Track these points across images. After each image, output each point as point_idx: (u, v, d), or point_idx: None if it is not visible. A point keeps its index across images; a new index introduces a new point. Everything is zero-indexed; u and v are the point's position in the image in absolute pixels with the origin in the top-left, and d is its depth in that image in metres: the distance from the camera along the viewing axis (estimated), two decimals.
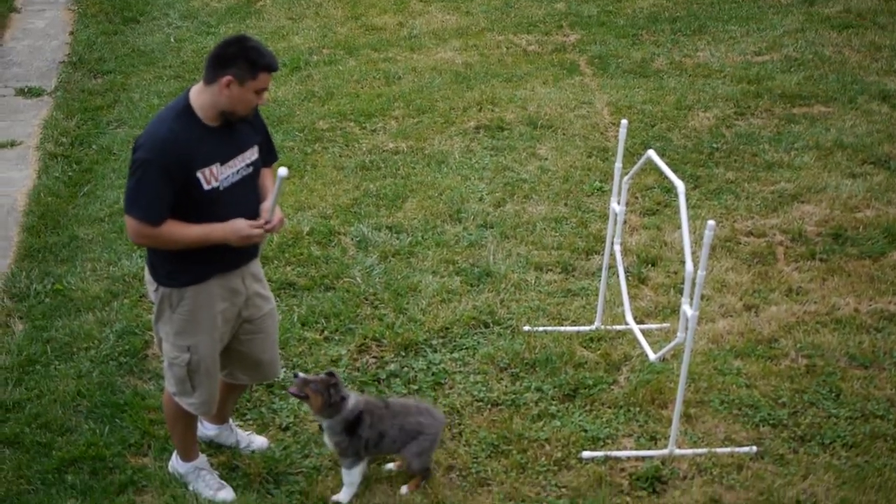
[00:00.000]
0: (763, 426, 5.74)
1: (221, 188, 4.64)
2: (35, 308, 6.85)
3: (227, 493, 5.22)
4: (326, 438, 5.17)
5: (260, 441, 5.55)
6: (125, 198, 4.59)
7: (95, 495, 5.23)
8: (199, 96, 4.60)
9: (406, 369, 6.19)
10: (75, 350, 6.40)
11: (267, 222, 4.74)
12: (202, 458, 5.30)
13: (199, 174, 4.56)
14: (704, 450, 5.52)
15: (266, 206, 4.79)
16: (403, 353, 6.34)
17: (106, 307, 6.82)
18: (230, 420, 5.53)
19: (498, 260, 7.31)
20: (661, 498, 5.25)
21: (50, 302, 6.91)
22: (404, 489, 5.22)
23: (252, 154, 4.79)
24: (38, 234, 7.84)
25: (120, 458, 5.51)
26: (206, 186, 4.58)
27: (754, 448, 5.56)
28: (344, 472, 5.17)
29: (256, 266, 5.01)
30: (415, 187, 8.40)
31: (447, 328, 6.56)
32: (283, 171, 4.62)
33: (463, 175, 8.59)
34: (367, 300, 6.88)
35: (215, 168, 4.60)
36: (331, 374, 5.10)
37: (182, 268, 4.73)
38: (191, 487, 5.24)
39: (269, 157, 5.00)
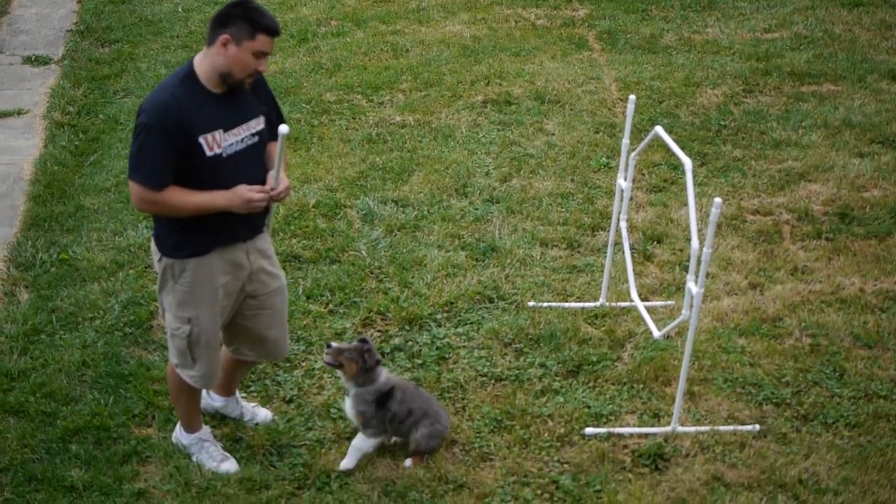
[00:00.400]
0: (766, 405, 5.75)
1: (224, 155, 4.61)
2: (41, 277, 6.86)
3: (231, 464, 5.24)
4: (350, 407, 5.21)
5: (264, 413, 5.56)
6: (129, 163, 4.60)
7: (99, 465, 5.25)
8: (203, 62, 4.59)
9: (410, 343, 6.20)
10: (80, 320, 6.41)
11: (272, 189, 4.71)
12: (205, 430, 5.32)
13: (201, 139, 4.53)
14: (707, 428, 5.53)
15: (271, 173, 4.77)
16: (408, 327, 6.34)
17: (111, 277, 6.83)
18: (236, 393, 5.54)
19: (503, 235, 7.30)
20: (663, 475, 5.26)
21: (55, 271, 6.92)
22: (408, 462, 5.25)
23: (258, 124, 4.75)
24: (45, 203, 7.84)
25: (124, 428, 5.52)
26: (208, 152, 4.56)
27: (757, 426, 5.56)
28: (359, 439, 5.23)
29: (264, 242, 4.98)
30: (421, 161, 8.38)
31: (452, 303, 6.56)
32: (283, 127, 4.60)
33: (469, 149, 8.57)
34: (372, 273, 6.88)
35: (218, 134, 4.58)
36: (363, 341, 5.18)
37: (184, 238, 4.72)
38: (194, 458, 5.26)
39: (275, 124, 4.93)
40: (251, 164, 4.75)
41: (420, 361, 6.05)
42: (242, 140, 4.68)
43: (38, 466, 5.25)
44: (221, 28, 4.51)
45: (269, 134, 4.84)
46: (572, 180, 8.09)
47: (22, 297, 6.67)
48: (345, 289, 6.67)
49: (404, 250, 7.12)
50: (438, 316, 6.45)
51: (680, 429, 5.50)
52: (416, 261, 6.99)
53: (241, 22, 4.48)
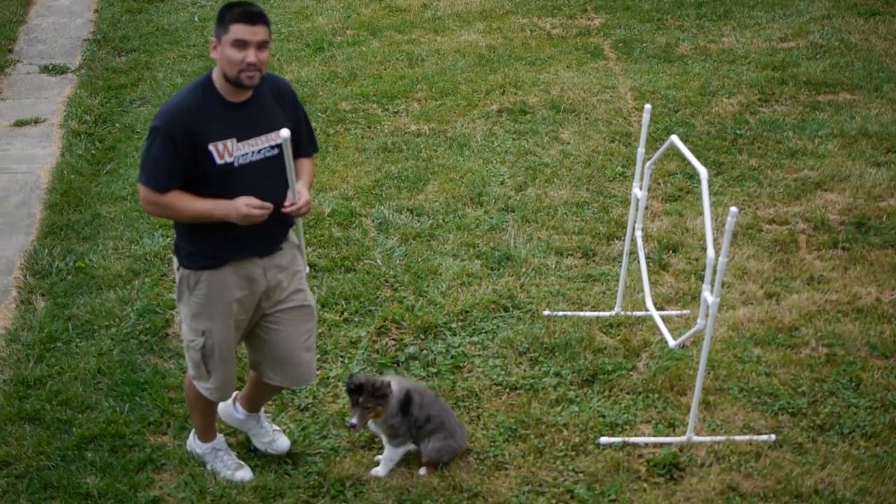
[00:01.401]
0: (782, 414, 5.73)
1: (236, 164, 4.57)
2: (57, 285, 6.89)
3: (245, 472, 5.25)
4: (378, 425, 5.16)
5: (282, 442, 5.42)
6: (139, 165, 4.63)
7: (115, 472, 5.26)
8: (217, 71, 4.61)
9: (425, 352, 6.20)
10: (96, 328, 6.43)
11: (292, 203, 4.66)
12: (220, 439, 5.32)
13: (210, 147, 4.51)
14: (723, 437, 5.51)
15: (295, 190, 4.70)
16: (423, 336, 6.34)
17: (127, 285, 6.85)
18: (261, 412, 5.44)
19: (519, 244, 7.30)
20: (678, 485, 5.24)
21: (72, 279, 6.95)
22: (422, 471, 5.25)
23: (279, 137, 4.64)
24: (61, 211, 7.87)
25: (139, 436, 5.54)
26: (218, 160, 4.53)
27: (773, 436, 5.54)
28: (389, 450, 5.23)
29: (284, 258, 4.87)
30: (436, 170, 8.39)
31: (467, 311, 6.56)
32: (284, 131, 4.54)
33: (485, 158, 8.58)
34: (387, 282, 6.89)
35: (230, 143, 4.54)
36: (358, 386, 5.02)
37: (198, 250, 4.70)
38: (209, 467, 5.26)
39: (307, 147, 4.90)
40: (268, 177, 4.67)
41: (435, 370, 6.05)
42: (259, 151, 4.63)
43: (53, 474, 5.26)
44: (212, 37, 4.58)
45: (297, 150, 4.75)
46: (587, 189, 8.08)
47: (38, 305, 6.70)
48: (360, 297, 6.68)
49: (419, 259, 7.13)
50: (453, 325, 6.45)
51: (695, 438, 5.48)
52: (431, 269, 6.99)
53: (218, 22, 4.54)
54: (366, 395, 4.98)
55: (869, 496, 5.15)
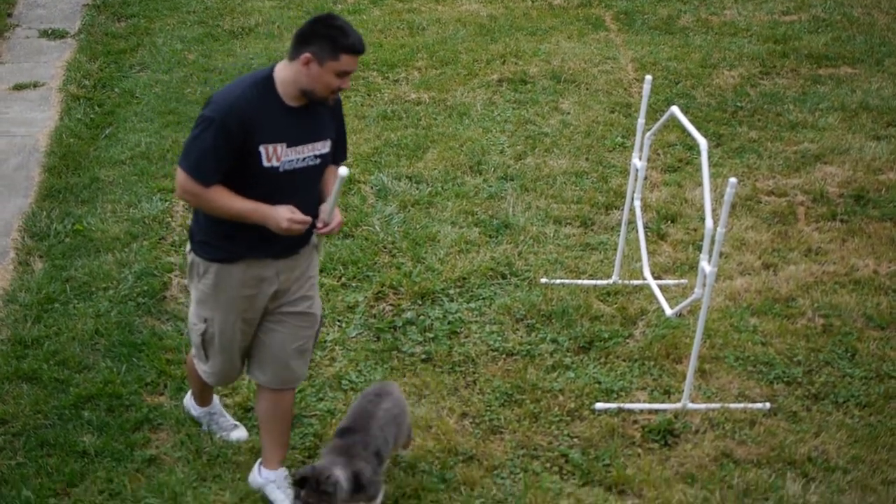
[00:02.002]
0: (777, 383, 5.75)
1: (281, 170, 4.42)
2: (55, 247, 6.89)
3: (241, 432, 5.26)
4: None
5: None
6: (182, 149, 4.44)
7: (111, 431, 5.28)
8: (282, 71, 4.41)
9: (422, 317, 6.21)
10: (94, 290, 6.44)
11: (325, 224, 4.52)
12: (216, 404, 5.31)
13: (261, 148, 4.36)
14: (718, 405, 5.53)
15: (324, 207, 4.53)
16: (420, 302, 6.35)
17: (125, 248, 6.85)
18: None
19: (517, 212, 7.30)
20: (672, 450, 5.26)
21: (70, 242, 6.95)
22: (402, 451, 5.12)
23: (324, 147, 4.55)
24: (60, 174, 7.86)
25: (136, 396, 5.55)
26: (265, 163, 4.38)
27: (767, 404, 5.56)
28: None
29: (299, 262, 4.69)
30: (436, 138, 8.38)
31: (464, 278, 6.56)
32: (343, 170, 4.37)
33: (484, 127, 8.56)
34: (385, 248, 6.89)
35: (280, 147, 4.40)
36: (303, 480, 4.46)
37: (212, 242, 4.56)
38: (204, 427, 5.29)
39: (338, 154, 4.76)
40: (306, 185, 4.55)
41: (432, 335, 6.06)
42: (304, 159, 4.49)
43: (50, 432, 5.28)
44: (304, 45, 4.34)
45: (332, 158, 4.65)
46: (587, 159, 8.08)
47: (36, 267, 6.71)
48: (357, 263, 6.68)
49: (418, 226, 7.13)
50: (451, 291, 6.45)
51: (690, 405, 5.50)
52: (430, 236, 7.00)
53: (324, 41, 4.31)
54: (308, 490, 4.44)
55: (862, 464, 5.17)
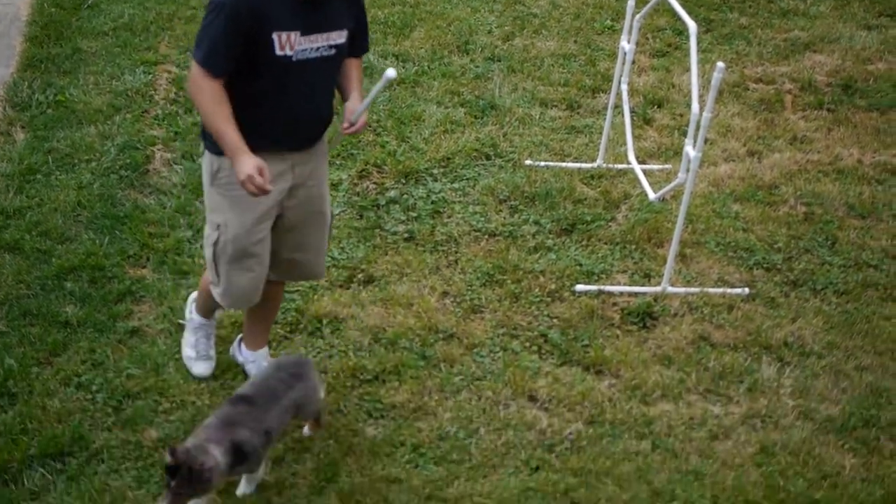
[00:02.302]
0: (757, 269, 5.79)
1: (294, 59, 4.24)
2: (37, 118, 6.82)
3: (204, 367, 5.00)
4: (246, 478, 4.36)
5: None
6: (195, 39, 4.25)
7: (94, 302, 5.30)
8: None
9: (406, 196, 6.20)
10: (76, 161, 6.40)
11: (351, 125, 4.38)
12: (212, 323, 5.09)
13: (274, 35, 4.16)
14: (697, 289, 5.58)
15: (352, 106, 4.39)
16: (404, 181, 6.34)
17: (108, 121, 6.79)
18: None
19: (503, 93, 7.25)
20: (650, 333, 5.32)
21: (52, 113, 6.88)
22: (306, 430, 4.68)
23: (339, 37, 4.34)
24: (41, 44, 7.74)
25: (119, 268, 5.55)
26: (278, 51, 4.19)
27: (746, 290, 5.61)
28: (250, 476, 4.38)
29: (311, 159, 4.54)
30: (423, 16, 8.27)
31: (449, 158, 6.54)
32: (391, 72, 4.19)
33: (473, 7, 8.46)
34: (369, 127, 6.84)
35: (294, 36, 4.20)
36: (175, 468, 3.88)
37: None
38: (184, 333, 5.10)
39: (359, 46, 4.56)
40: (319, 76, 4.37)
41: (415, 214, 6.06)
42: (318, 49, 4.30)
43: (33, 302, 5.29)
44: None
45: (349, 49, 4.44)
46: (575, 42, 8.00)
47: (18, 137, 6.65)
48: (342, 141, 6.64)
49: (403, 105, 7.08)
50: (435, 171, 6.44)
51: (670, 289, 5.55)
52: (415, 116, 6.95)
53: None
54: (180, 479, 3.88)
55: (837, 350, 5.25)
